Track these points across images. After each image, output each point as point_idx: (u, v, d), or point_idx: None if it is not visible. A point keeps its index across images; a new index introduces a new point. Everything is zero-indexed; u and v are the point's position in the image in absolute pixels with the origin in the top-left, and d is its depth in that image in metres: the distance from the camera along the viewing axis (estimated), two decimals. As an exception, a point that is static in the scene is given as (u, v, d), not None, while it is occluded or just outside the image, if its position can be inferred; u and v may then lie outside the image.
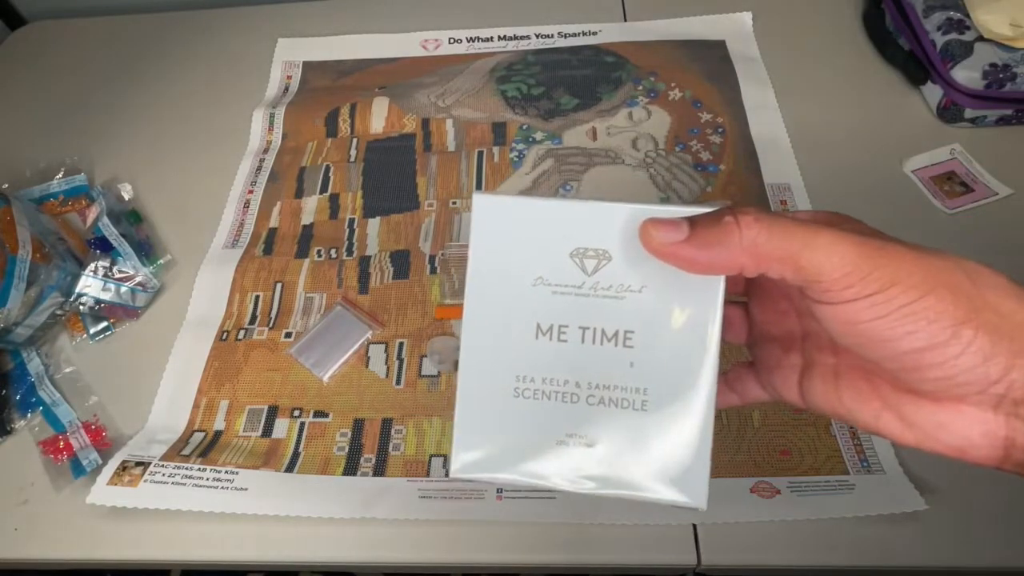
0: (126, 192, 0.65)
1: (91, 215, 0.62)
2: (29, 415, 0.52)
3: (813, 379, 0.26)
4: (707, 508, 0.27)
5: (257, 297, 0.56)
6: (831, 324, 0.23)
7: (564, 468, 0.27)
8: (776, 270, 0.23)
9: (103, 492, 0.45)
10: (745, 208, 0.23)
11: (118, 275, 0.56)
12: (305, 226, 0.61)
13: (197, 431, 0.50)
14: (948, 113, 0.61)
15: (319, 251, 0.59)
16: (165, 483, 0.45)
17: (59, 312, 0.55)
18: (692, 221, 0.24)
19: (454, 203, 0.61)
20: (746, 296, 0.30)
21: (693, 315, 0.26)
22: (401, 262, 0.57)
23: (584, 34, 0.73)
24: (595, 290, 0.27)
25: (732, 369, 0.31)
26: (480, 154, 0.64)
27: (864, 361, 0.24)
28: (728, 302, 0.29)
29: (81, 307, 0.56)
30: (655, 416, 0.27)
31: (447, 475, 0.28)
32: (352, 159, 0.65)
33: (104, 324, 0.56)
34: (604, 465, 0.27)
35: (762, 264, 0.23)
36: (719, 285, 0.26)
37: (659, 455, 0.27)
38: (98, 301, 0.56)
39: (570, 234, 0.27)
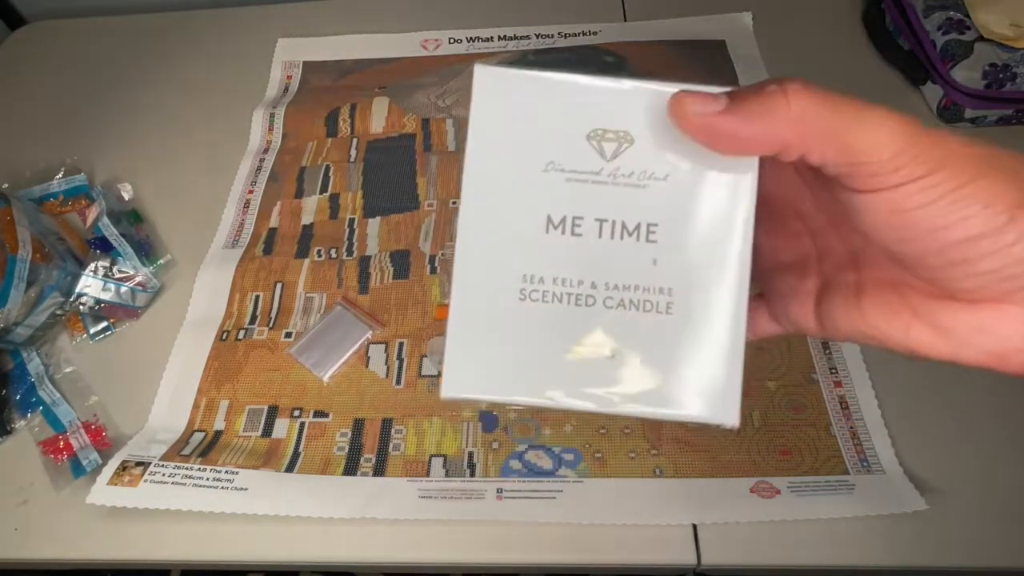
0: (126, 192, 0.65)
1: (91, 215, 0.62)
2: (29, 415, 0.52)
3: (833, 301, 0.25)
4: (738, 425, 0.24)
5: (257, 297, 0.56)
6: (873, 217, 0.21)
7: (578, 383, 0.24)
8: (820, 150, 0.21)
9: (103, 492, 0.45)
10: (791, 78, 0.21)
11: (118, 275, 0.56)
12: (305, 226, 0.61)
13: (197, 431, 0.50)
14: (948, 113, 0.61)
15: (319, 251, 0.59)
16: (165, 483, 0.45)
17: (59, 312, 0.55)
18: (731, 93, 0.22)
19: (454, 203, 0.61)
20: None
21: (724, 206, 0.24)
22: (401, 262, 0.57)
23: (584, 34, 0.73)
24: (614, 177, 0.24)
25: None
26: (480, 154, 0.64)
27: (893, 268, 0.23)
28: None
29: (81, 307, 0.56)
30: (681, 320, 0.24)
31: (440, 397, 0.24)
32: (352, 159, 0.65)
33: (104, 324, 0.56)
34: (624, 377, 0.24)
35: (808, 140, 0.21)
36: (752, 171, 0.23)
37: (686, 365, 0.24)
38: (98, 301, 0.56)
39: (588, 113, 0.24)
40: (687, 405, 0.24)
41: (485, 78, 0.24)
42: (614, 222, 0.24)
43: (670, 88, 0.23)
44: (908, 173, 0.20)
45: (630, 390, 0.24)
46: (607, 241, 0.24)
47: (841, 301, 0.24)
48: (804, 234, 0.27)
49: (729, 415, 0.24)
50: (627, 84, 0.24)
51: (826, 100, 0.21)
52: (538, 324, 0.24)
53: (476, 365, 0.24)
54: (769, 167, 0.23)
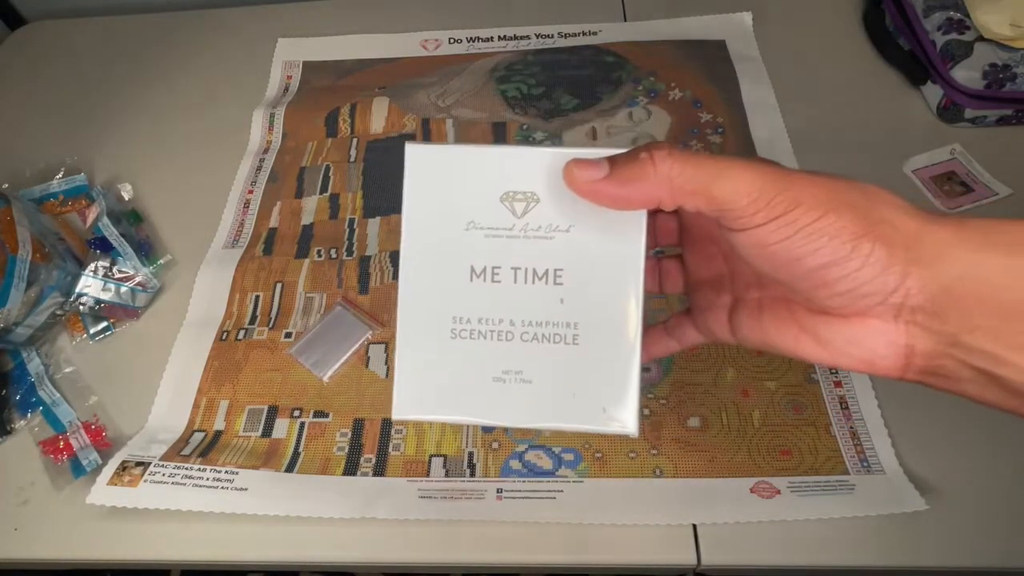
0: (126, 192, 0.65)
1: (91, 215, 0.62)
2: (29, 415, 0.52)
3: (740, 314, 0.28)
4: (637, 434, 0.28)
5: (257, 297, 0.56)
6: (746, 250, 0.25)
7: (502, 404, 0.29)
8: (691, 202, 0.24)
9: (103, 492, 0.45)
10: (659, 144, 0.25)
11: (118, 275, 0.56)
12: (305, 226, 0.61)
13: (197, 431, 0.50)
14: (948, 113, 0.61)
15: (319, 251, 0.59)
16: (165, 483, 0.45)
17: (59, 312, 0.55)
18: (612, 160, 0.26)
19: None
20: (680, 247, 0.32)
21: (618, 250, 0.28)
22: (401, 262, 0.57)
23: (584, 34, 0.73)
24: (525, 231, 0.28)
25: (671, 318, 0.33)
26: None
27: (781, 287, 0.26)
28: (665, 256, 0.32)
29: (81, 307, 0.56)
30: (586, 348, 0.28)
31: (391, 418, 0.30)
32: (352, 159, 0.65)
33: (104, 324, 0.56)
34: (539, 399, 0.29)
35: (677, 196, 0.24)
36: (641, 220, 0.28)
37: (591, 385, 0.28)
38: (98, 301, 0.56)
39: (500, 179, 0.28)
40: (593, 420, 0.28)
41: (415, 154, 0.28)
42: (526, 269, 0.28)
43: (565, 153, 0.27)
44: (766, 215, 0.23)
45: (546, 409, 0.29)
46: (521, 285, 0.28)
47: (747, 315, 0.28)
48: (718, 256, 0.30)
49: (628, 426, 0.28)
50: (529, 151, 0.28)
51: (687, 162, 0.24)
52: (467, 357, 0.29)
53: (419, 392, 0.29)
54: None
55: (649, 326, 0.31)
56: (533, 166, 0.28)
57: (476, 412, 0.29)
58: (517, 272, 0.28)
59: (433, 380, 0.29)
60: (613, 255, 0.28)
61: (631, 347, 0.28)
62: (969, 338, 0.22)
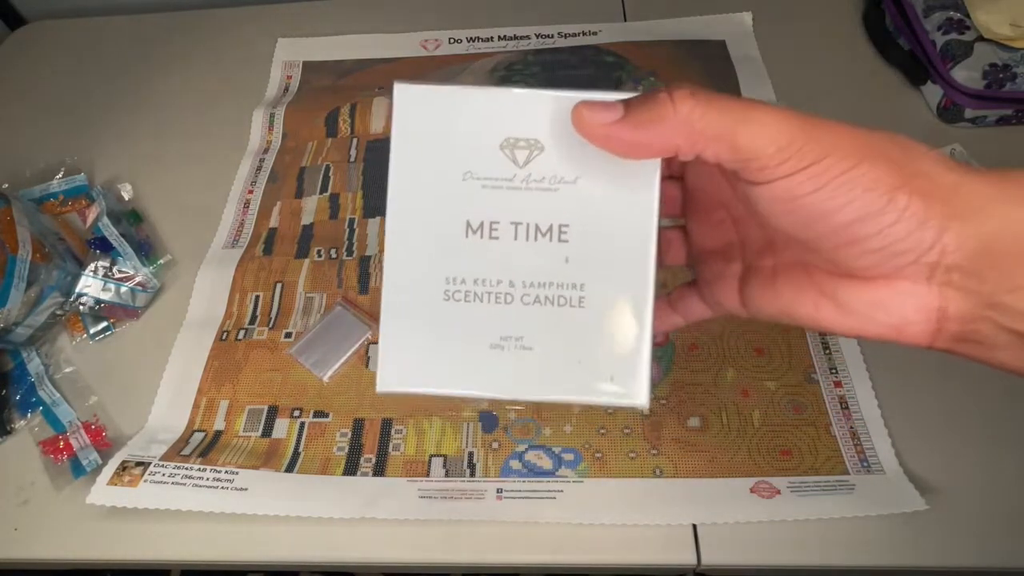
0: (126, 192, 0.65)
1: (91, 215, 0.62)
2: (29, 415, 0.52)
3: (752, 283, 0.26)
4: (648, 406, 0.26)
5: (257, 297, 0.56)
6: (768, 205, 0.23)
7: (499, 375, 0.26)
8: (712, 150, 0.22)
9: (103, 492, 0.45)
10: (680, 83, 0.23)
11: (118, 275, 0.56)
12: (305, 226, 0.61)
13: (197, 431, 0.50)
14: (948, 113, 0.61)
15: (319, 251, 0.59)
16: (165, 483, 0.45)
17: (59, 312, 0.55)
18: (626, 102, 0.23)
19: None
20: (683, 217, 0.30)
21: (629, 205, 0.25)
22: (401, 262, 0.57)
23: (584, 34, 0.73)
24: (527, 183, 0.26)
25: (675, 291, 0.30)
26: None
27: (798, 251, 0.24)
28: (666, 228, 0.29)
29: (81, 307, 0.56)
30: (593, 313, 0.26)
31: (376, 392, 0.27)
32: (352, 159, 0.65)
33: (104, 324, 0.56)
34: (541, 368, 0.26)
35: (697, 143, 0.22)
36: (655, 171, 0.25)
37: (598, 353, 0.26)
38: (98, 301, 0.56)
39: (499, 124, 0.25)
40: (600, 391, 0.26)
41: (404, 95, 0.26)
42: (528, 225, 0.26)
43: (573, 95, 0.24)
44: (794, 164, 0.21)
45: (548, 379, 0.26)
46: (522, 242, 0.26)
47: (760, 284, 0.26)
48: (728, 222, 0.28)
49: (639, 398, 0.26)
50: (533, 93, 0.25)
51: (710, 103, 0.22)
52: (462, 322, 0.26)
53: (407, 362, 0.26)
54: (695, 161, 0.24)
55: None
56: (537, 110, 0.25)
57: (471, 383, 0.26)
58: (518, 228, 0.26)
59: (423, 348, 0.26)
60: (624, 209, 0.25)
61: (643, 311, 0.26)
62: (1009, 298, 0.20)
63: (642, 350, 0.26)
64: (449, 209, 0.26)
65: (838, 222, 0.21)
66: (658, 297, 0.29)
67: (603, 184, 0.25)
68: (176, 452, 0.48)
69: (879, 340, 0.23)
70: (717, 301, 0.28)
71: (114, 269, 0.56)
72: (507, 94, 0.25)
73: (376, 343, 0.52)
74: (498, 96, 0.25)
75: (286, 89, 0.73)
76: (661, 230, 0.29)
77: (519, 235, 0.26)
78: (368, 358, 0.52)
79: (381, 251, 0.58)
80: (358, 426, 0.49)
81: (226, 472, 0.46)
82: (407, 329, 0.26)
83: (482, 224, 0.26)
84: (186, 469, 0.46)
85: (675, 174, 0.30)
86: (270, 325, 0.54)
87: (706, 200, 0.29)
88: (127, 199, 0.65)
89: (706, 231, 0.29)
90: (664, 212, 0.29)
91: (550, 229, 0.26)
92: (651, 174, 0.25)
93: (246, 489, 0.45)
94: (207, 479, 0.45)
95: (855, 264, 0.22)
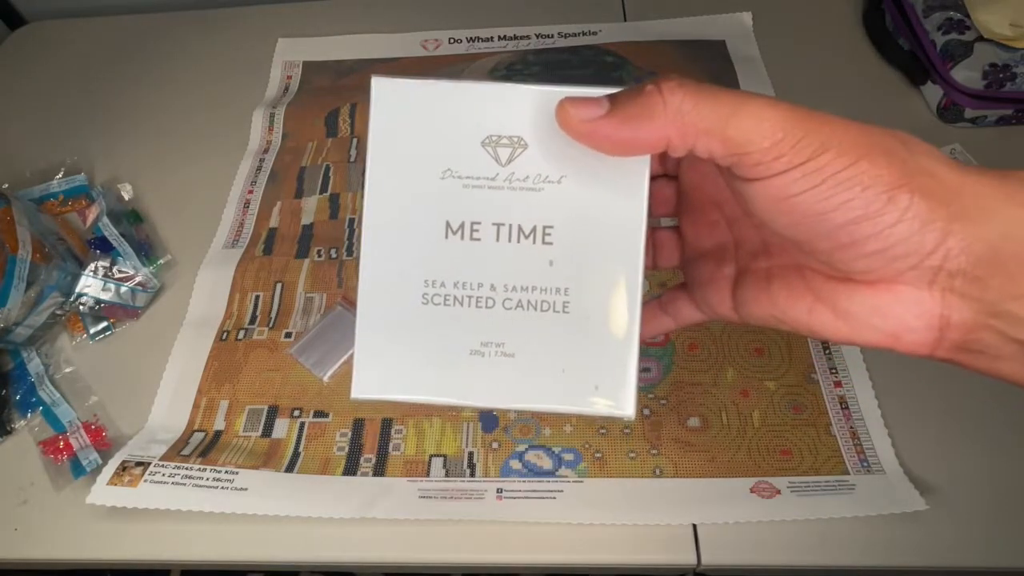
0: (126, 192, 0.65)
1: (91, 215, 0.62)
2: (29, 415, 0.52)
3: (746, 286, 0.25)
4: (634, 416, 0.25)
5: (257, 297, 0.56)
6: (762, 204, 0.21)
7: (480, 382, 0.25)
8: (703, 144, 0.21)
9: (103, 492, 0.45)
10: (668, 75, 0.22)
11: (118, 275, 0.56)
12: (305, 226, 0.61)
13: (197, 431, 0.50)
14: (948, 113, 0.61)
15: (319, 251, 0.59)
16: (165, 483, 0.45)
17: (59, 312, 0.55)
18: (612, 97, 0.22)
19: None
20: (676, 217, 0.29)
21: (617, 206, 0.24)
22: (401, 262, 0.57)
23: (584, 34, 0.73)
24: (510, 182, 0.24)
25: (665, 293, 0.29)
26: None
27: (794, 253, 0.23)
28: (660, 228, 0.29)
29: (81, 307, 0.56)
30: (578, 318, 0.25)
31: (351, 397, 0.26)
32: (352, 159, 0.65)
33: (104, 324, 0.56)
34: (523, 376, 0.25)
35: (688, 137, 0.21)
36: (644, 170, 0.24)
37: (582, 362, 0.25)
38: (98, 301, 0.56)
39: (482, 120, 0.24)
40: (584, 401, 0.25)
41: (383, 89, 0.25)
42: (511, 226, 0.24)
43: (558, 90, 0.23)
44: (790, 160, 0.20)
45: (530, 387, 0.25)
46: (504, 244, 0.24)
47: (753, 287, 0.25)
48: (722, 223, 0.27)
49: (625, 408, 0.25)
50: (517, 88, 0.24)
51: (702, 95, 0.21)
52: (441, 326, 0.25)
53: (383, 367, 0.25)
54: (689, 159, 0.23)
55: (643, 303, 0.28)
56: (521, 106, 0.24)
57: (449, 391, 0.25)
58: (500, 229, 0.25)
59: (400, 354, 0.25)
60: (611, 211, 0.24)
61: (630, 317, 0.25)
62: (1015, 306, 0.19)
63: (629, 358, 0.25)
64: (428, 208, 0.25)
65: (835, 222, 0.20)
66: (649, 300, 0.29)
67: (590, 184, 0.24)
68: (176, 452, 0.48)
69: (876, 348, 0.22)
70: (708, 304, 0.27)
71: (114, 269, 0.56)
72: (490, 89, 0.24)
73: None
74: (480, 91, 0.24)
75: (286, 89, 0.73)
76: (655, 230, 0.29)
77: (501, 236, 0.25)
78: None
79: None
80: (358, 426, 0.49)
81: (226, 472, 0.46)
82: (384, 333, 0.25)
83: (463, 225, 0.25)
84: (186, 469, 0.46)
85: (670, 172, 0.29)
86: (270, 325, 0.54)
87: (701, 199, 0.28)
88: (127, 199, 0.65)
89: (700, 232, 0.28)
90: (658, 212, 0.29)
91: (534, 231, 0.25)
92: (640, 173, 0.24)
93: (246, 489, 0.45)
94: (207, 479, 0.45)
95: (853, 267, 0.21)
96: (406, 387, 0.25)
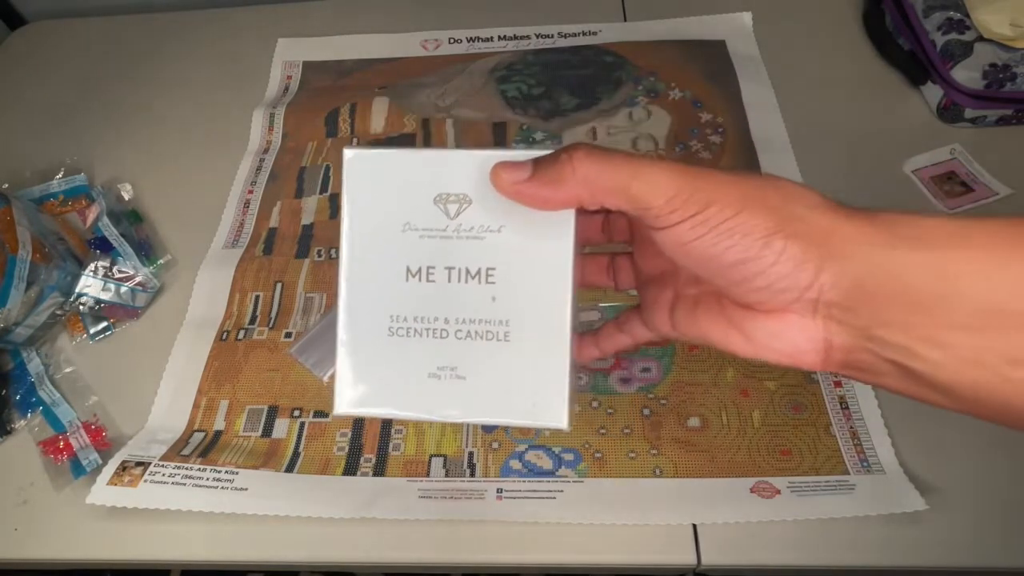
0: (126, 192, 0.65)
1: (91, 215, 0.62)
2: (29, 415, 0.52)
3: (679, 309, 0.29)
4: (569, 429, 0.29)
5: (257, 297, 0.56)
6: (668, 248, 0.25)
7: (437, 400, 0.29)
8: (612, 201, 0.25)
9: (103, 492, 0.45)
10: (578, 144, 0.25)
11: (118, 275, 0.56)
12: (305, 226, 0.61)
13: (197, 431, 0.50)
14: (948, 113, 0.61)
15: (319, 251, 0.59)
16: (165, 483, 0.45)
17: (59, 312, 0.55)
18: (535, 162, 0.26)
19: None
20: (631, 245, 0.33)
21: (548, 249, 0.28)
22: (401, 262, 0.57)
23: (584, 34, 0.73)
24: (458, 232, 0.29)
25: (622, 314, 0.33)
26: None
27: (709, 284, 0.27)
28: (620, 254, 0.33)
29: (81, 307, 0.56)
30: (517, 346, 0.29)
31: (332, 414, 0.31)
32: (352, 159, 0.65)
33: (104, 324, 0.56)
34: (473, 394, 0.29)
35: (597, 196, 0.25)
36: (570, 220, 0.28)
37: (523, 381, 0.29)
38: (98, 301, 0.56)
39: (433, 181, 0.29)
40: (524, 414, 0.29)
41: (353, 159, 0.29)
42: (460, 269, 0.29)
43: (494, 155, 0.28)
44: (682, 213, 0.24)
45: (479, 404, 0.29)
46: (455, 284, 0.29)
47: (684, 310, 0.29)
48: (663, 254, 0.30)
49: (560, 420, 0.29)
50: (461, 153, 0.28)
51: (604, 160, 0.25)
52: (405, 354, 0.30)
53: (360, 388, 0.30)
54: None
55: (604, 322, 0.33)
56: (465, 168, 0.28)
57: (413, 407, 0.30)
58: (451, 272, 0.29)
59: (372, 376, 0.30)
60: (543, 254, 0.28)
61: (561, 343, 0.29)
62: (882, 332, 0.22)
63: (562, 378, 0.29)
64: (392, 256, 0.29)
65: (725, 263, 0.24)
66: (608, 320, 0.34)
67: (524, 232, 0.28)
68: (176, 452, 0.48)
69: (778, 364, 0.26)
70: (654, 324, 0.31)
71: (114, 269, 0.56)
72: (439, 155, 0.29)
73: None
74: (432, 157, 0.29)
75: (286, 89, 0.73)
76: (616, 256, 0.33)
77: (452, 278, 0.29)
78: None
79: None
80: (358, 426, 0.49)
81: (226, 472, 0.46)
82: (359, 359, 0.30)
83: (420, 269, 0.29)
84: (186, 469, 0.46)
85: None
86: (270, 325, 0.54)
87: (646, 232, 0.31)
88: (127, 199, 0.65)
89: (647, 259, 0.31)
90: (617, 238, 0.33)
91: (479, 272, 0.29)
92: (567, 223, 0.28)
93: (246, 489, 0.45)
94: (207, 479, 0.45)
95: (749, 299, 0.25)
96: (378, 403, 0.30)
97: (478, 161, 0.28)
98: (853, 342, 0.23)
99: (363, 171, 0.29)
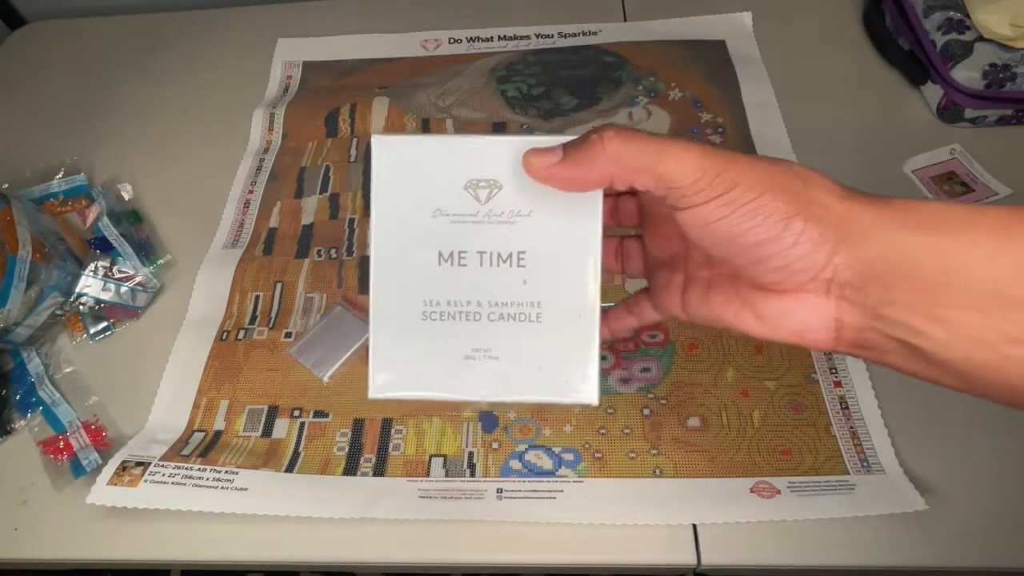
0: (126, 192, 0.65)
1: (91, 215, 0.62)
2: (29, 415, 0.52)
3: (691, 291, 0.30)
4: (598, 403, 0.30)
5: (257, 297, 0.56)
6: (691, 227, 0.26)
7: (472, 381, 0.30)
8: (640, 180, 0.26)
9: (103, 492, 0.45)
10: (607, 125, 0.27)
11: (118, 275, 0.56)
12: (305, 226, 0.61)
13: (197, 431, 0.50)
14: (948, 113, 0.61)
15: (319, 251, 0.59)
16: (165, 483, 0.45)
17: (59, 312, 0.55)
18: (565, 145, 0.28)
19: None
20: (641, 229, 0.34)
21: (576, 231, 0.29)
22: (401, 262, 0.57)
23: (584, 34, 0.73)
24: (489, 217, 0.29)
25: (632, 296, 0.34)
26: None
27: (727, 266, 0.28)
28: (628, 237, 0.34)
29: (81, 307, 0.56)
30: (548, 325, 0.30)
31: (368, 397, 0.31)
32: (352, 159, 0.65)
33: (104, 324, 0.56)
34: (506, 374, 0.30)
35: (627, 174, 0.26)
36: (597, 201, 0.29)
37: (554, 359, 0.30)
38: (98, 301, 0.56)
39: (464, 168, 0.29)
40: (557, 391, 0.30)
41: (381, 146, 0.30)
42: (491, 253, 0.30)
43: (525, 141, 0.28)
44: (707, 194, 0.25)
45: (513, 383, 0.30)
46: (487, 268, 0.30)
47: (696, 292, 0.30)
48: (675, 237, 0.32)
49: (590, 396, 0.30)
50: (492, 140, 0.29)
51: (633, 140, 0.26)
52: (438, 337, 0.30)
53: (394, 371, 0.31)
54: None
55: (615, 304, 0.34)
56: (495, 155, 0.29)
57: (448, 389, 0.30)
58: (483, 256, 0.30)
59: (407, 360, 0.31)
60: (571, 236, 0.29)
61: (591, 322, 0.30)
62: (889, 311, 0.24)
63: (591, 355, 0.30)
64: (423, 242, 0.30)
65: (746, 243, 0.25)
66: (619, 302, 0.34)
67: (553, 215, 0.29)
68: (176, 452, 0.48)
69: (787, 343, 0.27)
70: (663, 306, 0.32)
71: (114, 269, 0.56)
72: (470, 142, 0.29)
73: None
74: (462, 144, 0.29)
75: (286, 89, 0.73)
76: (624, 239, 0.34)
77: (484, 262, 0.30)
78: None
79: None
80: (358, 426, 0.49)
81: (226, 472, 0.46)
82: (393, 344, 0.31)
83: (452, 254, 0.30)
84: (186, 469, 0.46)
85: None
86: (270, 325, 0.54)
87: (657, 216, 0.32)
88: (127, 199, 0.65)
89: (658, 243, 0.32)
90: (626, 223, 0.34)
91: (510, 256, 0.30)
92: (594, 205, 0.29)
93: (246, 489, 0.45)
94: (207, 479, 0.45)
95: (765, 279, 0.26)
96: (413, 386, 0.31)
97: (509, 148, 0.29)
98: (862, 321, 0.24)
99: (392, 158, 0.30)
